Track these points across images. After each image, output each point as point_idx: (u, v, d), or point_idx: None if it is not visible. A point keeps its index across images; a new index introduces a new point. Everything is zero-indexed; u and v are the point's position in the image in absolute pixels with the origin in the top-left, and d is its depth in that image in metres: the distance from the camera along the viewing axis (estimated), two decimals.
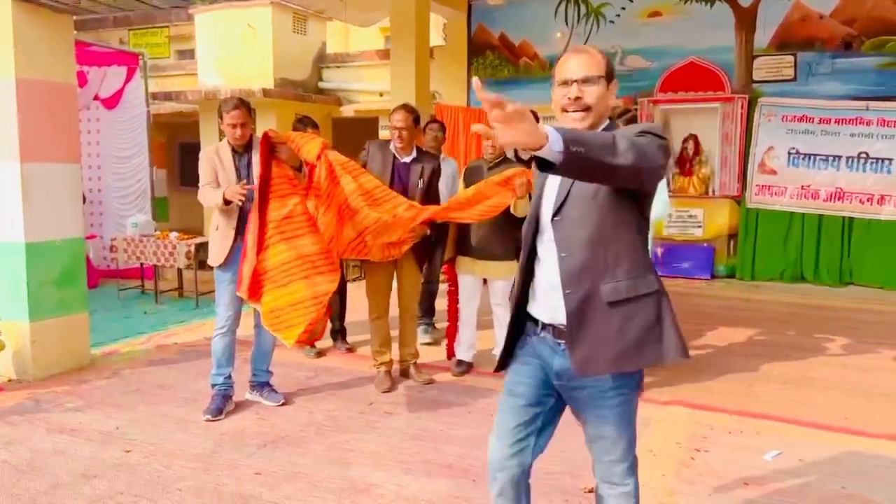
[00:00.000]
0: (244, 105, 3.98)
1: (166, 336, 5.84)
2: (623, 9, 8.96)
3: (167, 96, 10.10)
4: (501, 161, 4.72)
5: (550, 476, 3.25)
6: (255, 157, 3.99)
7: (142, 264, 8.04)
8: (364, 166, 4.42)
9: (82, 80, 9.11)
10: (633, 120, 4.36)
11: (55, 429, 3.82)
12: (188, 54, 11.70)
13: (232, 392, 4.14)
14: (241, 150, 4.07)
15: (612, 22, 9.04)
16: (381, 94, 10.05)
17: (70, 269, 4.76)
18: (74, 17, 4.70)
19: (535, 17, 9.39)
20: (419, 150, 4.57)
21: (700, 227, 8.72)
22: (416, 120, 4.48)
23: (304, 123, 5.13)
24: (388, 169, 4.41)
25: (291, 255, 3.82)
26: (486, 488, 3.08)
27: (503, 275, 4.72)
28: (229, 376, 4.10)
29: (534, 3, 9.30)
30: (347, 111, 10.60)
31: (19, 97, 4.38)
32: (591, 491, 3.10)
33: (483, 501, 3.01)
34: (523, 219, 4.47)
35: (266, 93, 9.41)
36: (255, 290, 3.79)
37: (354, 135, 8.99)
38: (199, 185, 4.01)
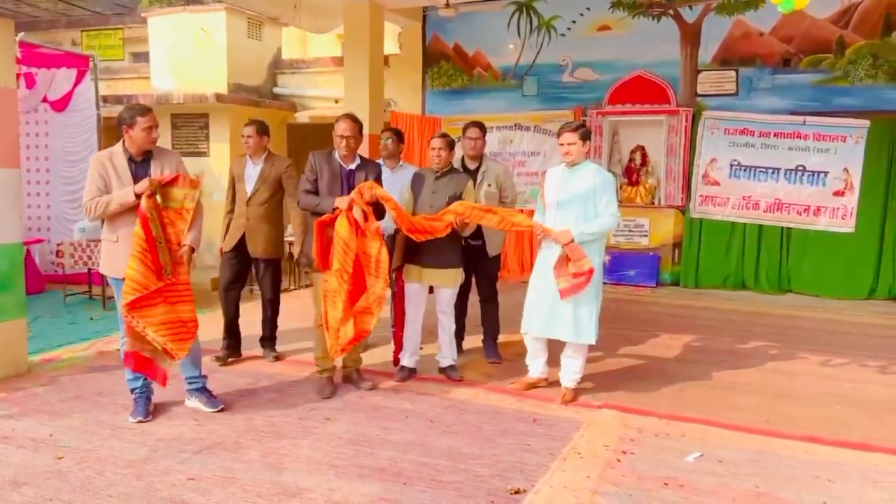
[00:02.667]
0: (151, 109, 4.03)
1: (109, 342, 5.79)
2: (573, 22, 9.17)
3: (118, 99, 9.98)
4: (448, 171, 4.83)
5: (480, 479, 3.35)
6: (154, 168, 3.99)
7: (89, 270, 7.95)
8: (315, 179, 4.49)
9: (30, 82, 9.00)
10: (589, 134, 4.50)
11: None
12: (143, 57, 11.56)
13: (152, 392, 4.18)
14: (140, 159, 4.01)
15: (563, 35, 9.23)
16: (337, 101, 10.09)
17: (6, 274, 4.71)
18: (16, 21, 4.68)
19: (489, 29, 9.54)
20: (361, 157, 4.65)
21: (646, 235, 8.95)
22: (360, 129, 4.57)
23: (260, 130, 5.22)
24: (338, 180, 4.48)
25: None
26: (416, 491, 3.18)
27: (449, 283, 4.83)
28: (146, 378, 4.10)
29: (487, 14, 9.45)
30: (302, 117, 10.61)
31: None
32: (517, 492, 3.22)
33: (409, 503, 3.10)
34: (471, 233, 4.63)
35: (219, 98, 9.38)
36: (146, 301, 3.84)
37: (309, 141, 9.01)
38: (84, 200, 3.93)
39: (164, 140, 10.11)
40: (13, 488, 3.20)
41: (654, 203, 8.99)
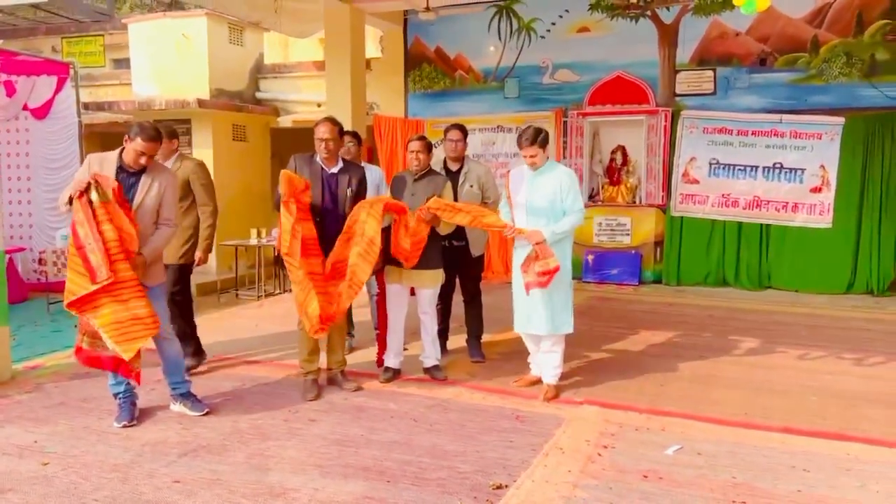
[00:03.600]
0: (160, 138, 4.03)
1: None
2: (553, 24, 9.26)
3: (100, 106, 9.97)
4: (426, 173, 4.89)
5: (463, 475, 3.40)
6: (144, 182, 4.01)
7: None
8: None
9: (10, 89, 8.95)
10: (547, 137, 4.58)
11: None
12: (124, 63, 11.54)
13: (136, 397, 4.21)
14: (132, 171, 4.02)
15: (542, 37, 9.32)
16: (319, 105, 10.11)
17: None
18: None
19: (470, 32, 9.61)
20: (344, 160, 4.69)
21: (628, 234, 9.04)
22: (341, 132, 4.61)
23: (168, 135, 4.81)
24: (319, 182, 4.52)
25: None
26: (400, 489, 3.23)
27: (430, 284, 4.88)
28: (129, 383, 4.13)
29: (468, 17, 9.52)
30: (285, 122, 10.64)
31: None
32: (499, 487, 3.27)
33: (393, 500, 3.14)
34: (448, 233, 4.70)
35: (201, 103, 9.39)
36: (88, 302, 3.79)
37: (292, 145, 9.03)
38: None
39: None
40: None
41: (635, 202, 9.09)
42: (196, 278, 9.35)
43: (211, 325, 6.75)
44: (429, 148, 4.86)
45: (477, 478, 3.37)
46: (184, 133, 9.94)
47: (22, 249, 8.81)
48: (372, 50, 10.42)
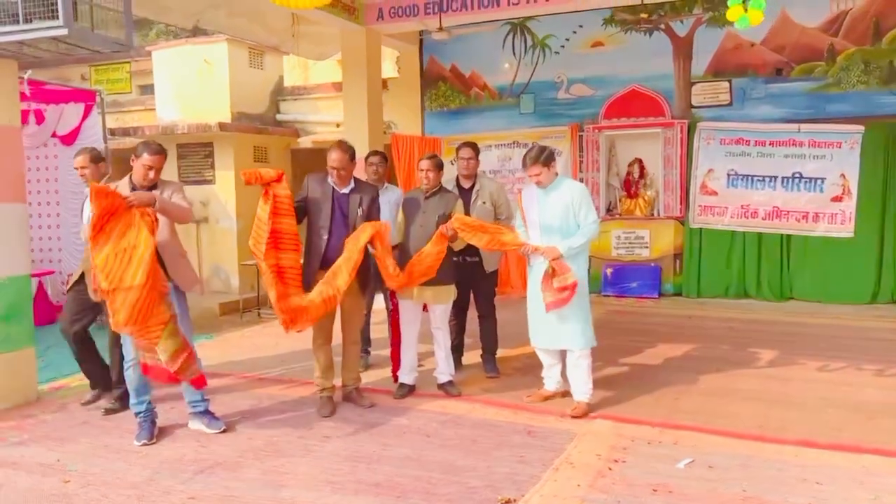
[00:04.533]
0: (163, 152, 4.18)
1: None
2: (567, 40, 9.31)
3: (126, 132, 10.22)
4: (438, 191, 4.96)
5: (472, 490, 3.43)
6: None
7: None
8: (304, 199, 4.63)
9: (39, 117, 9.24)
10: (553, 157, 4.62)
11: None
12: (149, 89, 11.82)
13: (156, 416, 4.32)
14: (144, 188, 4.16)
15: (556, 53, 9.38)
16: (338, 125, 10.25)
17: (16, 305, 4.86)
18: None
19: (484, 50, 9.71)
20: (357, 180, 4.77)
21: (647, 247, 9.01)
22: (352, 157, 4.68)
23: (94, 158, 4.79)
24: (329, 201, 4.61)
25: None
26: None
27: (442, 299, 4.93)
28: (149, 402, 4.26)
29: (482, 35, 9.62)
30: (305, 142, 10.80)
31: None
32: (507, 502, 3.29)
33: None
34: (462, 248, 4.76)
35: (222, 126, 9.58)
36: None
37: (312, 165, 9.17)
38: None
39: (171, 169, 10.32)
40: None
41: (653, 215, 9.06)
42: (218, 297, 9.57)
43: (232, 344, 6.88)
44: (439, 166, 4.93)
45: (486, 493, 3.40)
46: (206, 156, 10.17)
47: (51, 272, 9.05)
48: (389, 70, 10.57)
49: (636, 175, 9.23)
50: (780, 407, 4.57)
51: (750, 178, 8.53)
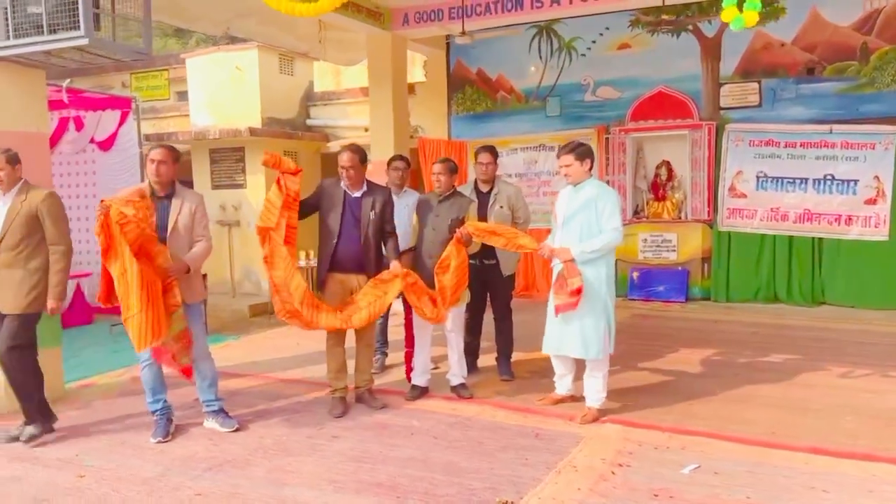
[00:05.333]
0: (170, 148, 4.31)
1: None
2: (593, 42, 9.26)
3: (160, 137, 10.48)
4: (451, 195, 4.99)
5: (471, 492, 3.45)
6: (175, 204, 4.27)
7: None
8: (314, 199, 4.72)
9: (79, 124, 9.55)
10: (590, 154, 4.58)
11: (17, 457, 4.06)
12: (185, 96, 12.12)
13: (172, 414, 4.43)
14: (162, 195, 4.30)
15: (583, 55, 9.33)
16: (366, 130, 10.35)
17: None
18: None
19: (511, 53, 9.71)
20: (370, 183, 4.83)
21: (674, 250, 8.89)
22: (362, 160, 4.74)
23: (10, 160, 4.33)
24: (340, 204, 4.68)
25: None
26: None
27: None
28: (165, 401, 4.39)
29: (508, 39, 9.62)
30: (335, 147, 10.92)
31: None
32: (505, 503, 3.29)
33: None
34: (477, 251, 4.78)
35: (253, 132, 9.76)
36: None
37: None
38: None
39: (204, 174, 10.58)
40: None
41: (681, 218, 8.93)
42: (249, 299, 9.75)
43: (255, 345, 7.02)
44: (452, 170, 4.96)
45: (485, 494, 3.41)
46: (238, 160, 10.38)
47: (88, 274, 9.33)
48: (418, 75, 10.65)
49: (664, 177, 9.11)
50: (797, 413, 4.48)
51: (780, 180, 8.41)
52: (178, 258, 4.21)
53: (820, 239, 8.21)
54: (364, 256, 4.67)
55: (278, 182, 4.48)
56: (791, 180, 8.32)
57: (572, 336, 4.43)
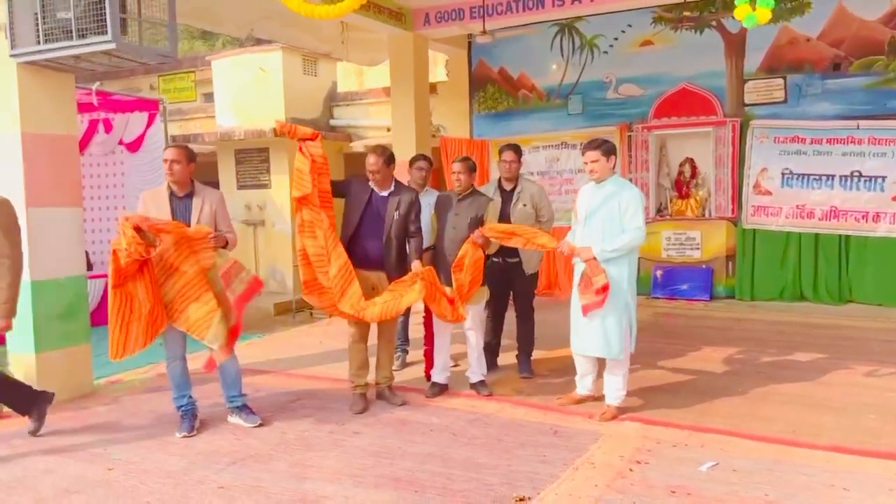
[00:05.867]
0: (183, 147, 4.41)
1: None
2: (616, 39, 9.23)
3: (186, 139, 10.66)
4: (470, 193, 5.02)
5: (489, 487, 3.48)
6: (196, 203, 4.37)
7: None
8: (343, 185, 4.86)
9: (108, 126, 9.74)
10: (614, 150, 4.58)
11: (50, 450, 4.18)
12: (212, 97, 12.30)
13: (197, 410, 4.52)
14: (181, 195, 4.41)
15: (605, 53, 9.30)
16: (388, 129, 10.43)
17: (72, 304, 5.17)
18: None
19: (532, 51, 9.71)
20: (398, 183, 4.89)
21: (698, 248, 8.83)
22: (388, 161, 4.80)
23: None
24: (364, 200, 4.76)
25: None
26: (426, 498, 3.35)
27: (475, 300, 4.99)
28: (190, 396, 4.49)
29: (530, 37, 9.62)
30: (357, 146, 11.02)
31: (25, 149, 4.85)
32: (521, 500, 3.33)
33: None
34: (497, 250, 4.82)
35: (277, 132, 9.87)
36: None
37: (364, 168, 9.37)
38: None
39: (229, 174, 10.73)
40: (65, 496, 3.55)
41: (704, 215, 8.87)
42: (274, 298, 9.88)
43: (279, 342, 7.12)
44: (471, 169, 5.00)
45: (502, 490, 3.44)
46: (262, 161, 10.52)
47: None
48: (440, 74, 10.70)
49: (688, 175, 9.06)
50: (818, 411, 4.45)
51: (806, 177, 8.32)
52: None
53: (847, 236, 8.10)
54: (385, 255, 4.73)
55: (301, 150, 4.55)
56: (817, 177, 8.22)
57: (595, 335, 4.44)
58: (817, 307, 8.02)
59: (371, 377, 4.93)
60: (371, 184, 4.78)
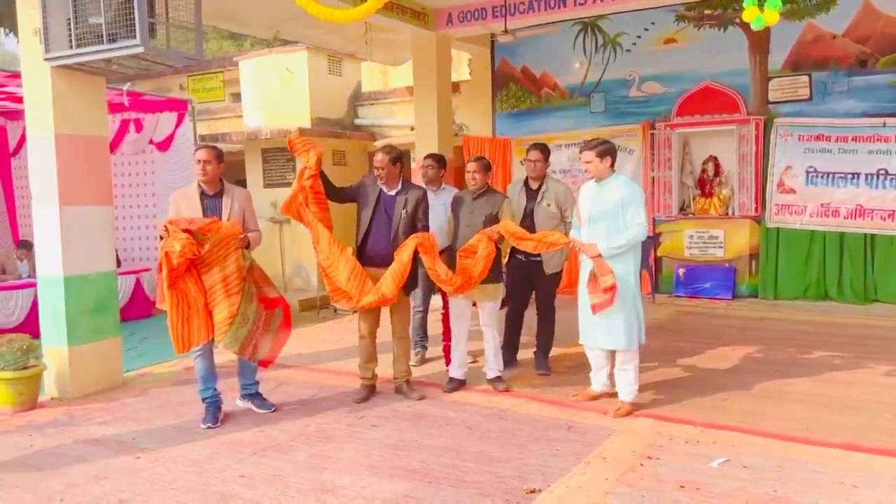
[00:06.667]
0: (213, 148, 4.56)
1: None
2: (639, 37, 9.22)
3: (215, 138, 10.87)
4: (485, 192, 5.11)
5: (501, 479, 3.57)
6: (226, 202, 4.53)
7: None
8: (352, 189, 4.94)
9: (138, 126, 9.99)
10: (610, 151, 4.63)
11: (81, 439, 4.36)
12: (240, 97, 12.53)
13: (221, 402, 4.67)
14: (212, 193, 4.57)
15: (628, 51, 9.30)
16: (412, 129, 10.54)
17: (103, 299, 5.36)
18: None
19: (555, 49, 9.74)
20: (405, 182, 4.99)
21: (721, 247, 8.80)
22: (394, 160, 4.92)
23: None
24: (373, 200, 4.87)
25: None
26: (439, 489, 3.44)
27: (491, 297, 5.08)
28: (215, 389, 4.64)
29: (553, 36, 9.65)
30: (381, 145, 11.15)
31: (58, 150, 5.04)
32: (532, 492, 3.41)
33: (430, 500, 3.35)
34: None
35: (302, 131, 10.02)
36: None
37: None
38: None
39: (256, 173, 10.93)
40: (95, 482, 3.70)
41: (728, 214, 8.84)
42: (297, 295, 10.05)
43: (302, 338, 7.24)
44: (486, 168, 5.08)
45: (514, 482, 3.52)
46: (288, 160, 10.69)
47: (147, 270, 9.75)
48: (464, 73, 10.77)
49: (711, 173, 9.03)
50: (834, 410, 4.45)
51: (831, 175, 8.25)
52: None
53: (872, 235, 8.02)
54: (394, 252, 4.84)
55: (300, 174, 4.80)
56: (842, 175, 8.15)
57: (608, 327, 4.51)
58: (841, 306, 7.96)
59: (378, 370, 5.08)
60: (379, 183, 4.90)
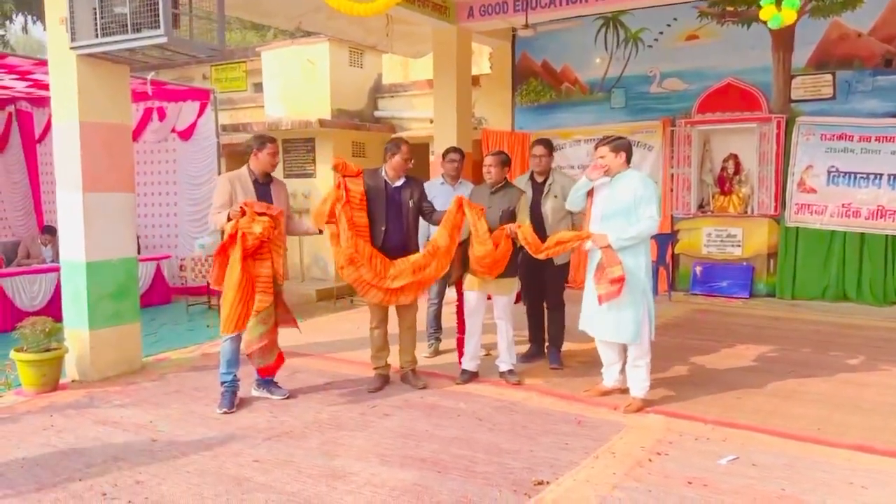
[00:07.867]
0: (273, 138, 4.78)
1: (214, 345, 6.47)
2: (661, 33, 9.17)
3: (236, 128, 10.99)
4: (502, 186, 5.13)
5: (509, 471, 3.60)
6: (274, 191, 4.74)
7: (208, 283, 8.82)
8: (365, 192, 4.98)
9: (161, 114, 10.12)
10: (625, 147, 4.62)
11: (100, 421, 4.46)
12: (261, 87, 12.63)
13: (238, 388, 4.76)
14: (263, 181, 4.74)
15: (650, 46, 9.26)
16: (431, 121, 10.57)
17: (124, 284, 5.46)
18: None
19: (576, 44, 9.71)
20: (407, 177, 5.07)
21: (739, 245, 8.75)
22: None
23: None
24: (383, 194, 4.94)
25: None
26: (448, 479, 3.49)
27: (505, 291, 5.11)
28: (236, 375, 4.72)
29: (574, 31, 9.63)
30: (392, 137, 11.19)
31: (82, 138, 5.14)
32: (540, 483, 3.44)
33: (438, 489, 3.40)
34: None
35: (322, 123, 10.12)
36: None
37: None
38: (212, 208, 4.64)
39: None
40: (113, 463, 3.79)
41: (747, 212, 8.78)
42: (315, 284, 10.15)
43: (318, 327, 7.34)
44: (503, 163, 5.10)
45: (522, 474, 3.56)
46: (308, 150, 10.78)
47: (168, 257, 9.91)
48: (485, 66, 10.78)
49: (731, 171, 8.97)
50: (847, 411, 4.44)
51: (852, 175, 8.17)
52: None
53: (893, 237, 7.93)
54: (409, 241, 4.98)
55: (338, 186, 4.83)
56: (864, 176, 8.07)
57: (608, 319, 4.51)
58: (860, 308, 7.89)
59: (392, 359, 5.13)
60: (383, 174, 4.97)
